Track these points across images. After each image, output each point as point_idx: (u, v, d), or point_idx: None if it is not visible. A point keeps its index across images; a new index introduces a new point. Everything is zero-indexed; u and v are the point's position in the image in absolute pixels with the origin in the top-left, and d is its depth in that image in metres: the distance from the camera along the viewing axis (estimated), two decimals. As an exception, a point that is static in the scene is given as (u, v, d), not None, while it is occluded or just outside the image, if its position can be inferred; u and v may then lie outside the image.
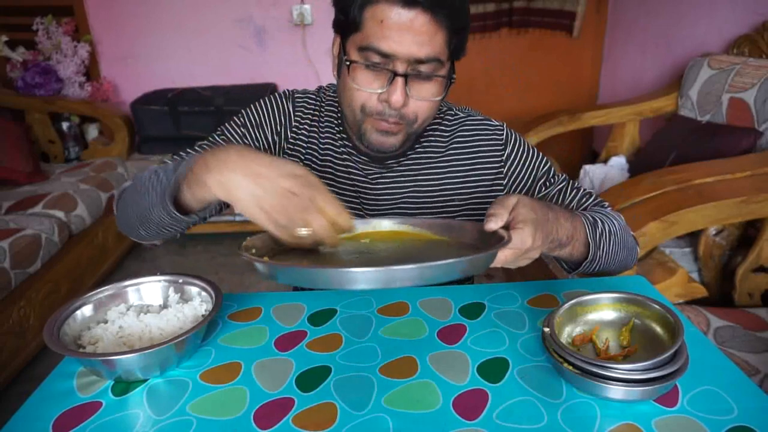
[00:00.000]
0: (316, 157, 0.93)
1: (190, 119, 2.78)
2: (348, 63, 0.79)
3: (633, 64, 2.86)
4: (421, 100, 0.80)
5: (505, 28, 3.08)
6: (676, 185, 1.43)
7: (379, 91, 0.78)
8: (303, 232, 0.62)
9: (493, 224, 0.67)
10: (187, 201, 0.71)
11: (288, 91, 0.96)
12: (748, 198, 1.35)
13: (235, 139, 0.91)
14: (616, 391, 0.59)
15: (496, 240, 0.66)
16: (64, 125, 2.85)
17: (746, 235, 1.54)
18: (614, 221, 0.86)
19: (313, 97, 0.95)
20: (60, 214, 2.16)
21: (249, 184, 0.62)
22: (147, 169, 0.81)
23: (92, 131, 2.96)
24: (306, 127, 0.93)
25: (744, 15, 2.08)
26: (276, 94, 0.95)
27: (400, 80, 0.76)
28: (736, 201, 1.35)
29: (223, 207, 0.83)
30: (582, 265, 0.83)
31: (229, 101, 2.78)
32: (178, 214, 0.71)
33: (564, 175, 0.96)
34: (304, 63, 2.98)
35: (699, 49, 2.29)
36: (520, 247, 0.65)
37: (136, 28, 2.93)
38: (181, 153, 0.89)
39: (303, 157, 0.93)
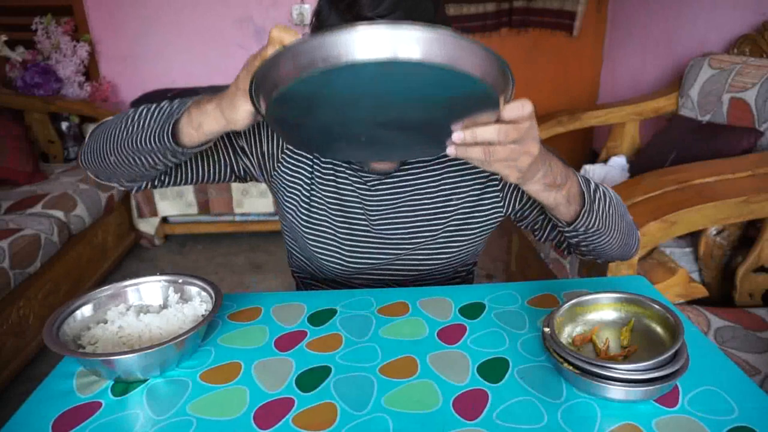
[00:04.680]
0: (320, 161, 0.92)
1: (189, 119, 2.78)
2: None
3: (633, 64, 2.86)
4: None
5: (505, 28, 3.08)
6: (676, 185, 1.43)
7: None
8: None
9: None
10: (184, 136, 0.74)
11: None
12: (749, 198, 1.35)
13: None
14: (616, 391, 0.59)
15: None
16: (64, 125, 2.85)
17: (746, 235, 1.54)
18: (609, 191, 0.82)
19: None
20: (59, 214, 2.16)
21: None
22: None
23: (92, 131, 2.96)
24: None
25: (744, 14, 2.08)
26: None
27: None
28: (737, 201, 1.35)
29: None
30: (579, 217, 0.76)
31: (228, 101, 2.77)
32: (173, 143, 0.73)
33: None
34: (303, 63, 2.98)
35: (699, 49, 2.29)
36: (520, 111, 0.59)
37: (135, 28, 2.93)
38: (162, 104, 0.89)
39: (310, 160, 0.92)
